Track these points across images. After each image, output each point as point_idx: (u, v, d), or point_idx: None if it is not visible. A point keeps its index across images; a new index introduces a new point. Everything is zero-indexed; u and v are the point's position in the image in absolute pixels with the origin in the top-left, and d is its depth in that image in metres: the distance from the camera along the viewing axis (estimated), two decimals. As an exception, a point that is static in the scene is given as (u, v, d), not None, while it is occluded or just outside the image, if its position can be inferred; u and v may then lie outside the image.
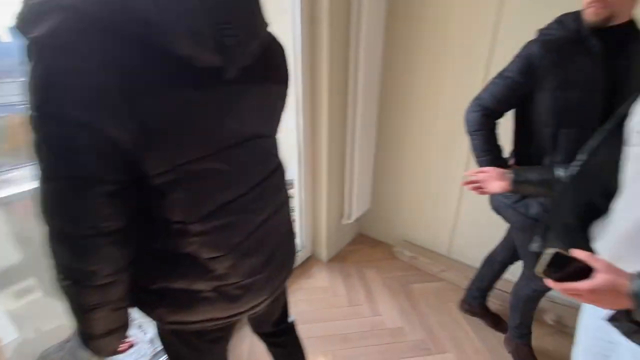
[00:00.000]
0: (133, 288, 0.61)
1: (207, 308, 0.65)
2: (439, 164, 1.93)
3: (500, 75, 1.12)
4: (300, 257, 2.12)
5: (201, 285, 0.63)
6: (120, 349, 0.66)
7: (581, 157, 0.74)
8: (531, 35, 1.10)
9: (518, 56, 1.08)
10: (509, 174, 0.94)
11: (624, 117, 0.66)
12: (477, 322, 1.69)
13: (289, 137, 1.80)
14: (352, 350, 1.55)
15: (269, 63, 0.64)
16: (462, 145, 1.80)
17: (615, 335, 0.60)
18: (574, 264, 0.54)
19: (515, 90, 1.09)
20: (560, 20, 1.04)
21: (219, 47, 0.52)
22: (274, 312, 0.96)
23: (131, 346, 1.33)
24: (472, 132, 1.17)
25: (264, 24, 0.62)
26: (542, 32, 1.08)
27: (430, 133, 1.91)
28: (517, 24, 1.48)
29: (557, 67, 1.01)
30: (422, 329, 1.66)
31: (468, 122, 1.18)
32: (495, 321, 1.66)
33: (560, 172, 0.84)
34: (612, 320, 0.58)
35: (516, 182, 0.92)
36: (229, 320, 0.71)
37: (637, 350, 0.58)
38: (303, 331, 1.66)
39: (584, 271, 0.53)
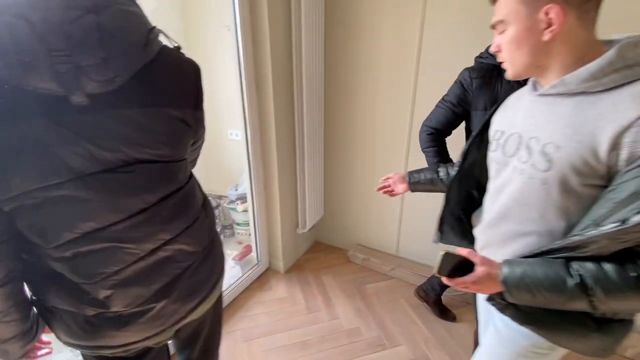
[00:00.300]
0: (34, 303, 0.67)
1: (94, 334, 0.66)
2: (382, 171, 2.08)
3: (442, 100, 1.35)
4: (257, 271, 2.13)
5: (85, 310, 0.65)
6: (33, 354, 0.72)
7: (459, 157, 0.91)
8: (449, 51, 1.28)
9: (455, 82, 1.30)
10: (407, 177, 1.12)
11: (487, 124, 0.82)
12: (426, 314, 1.84)
13: (240, 151, 1.82)
14: (313, 355, 1.60)
15: (152, 87, 0.61)
16: (400, 152, 1.98)
17: (491, 308, 0.74)
18: (460, 261, 0.66)
19: (454, 112, 1.31)
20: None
21: (55, 75, 0.50)
22: (190, 345, 0.92)
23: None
24: (424, 150, 1.40)
25: (136, 47, 0.57)
26: (476, 59, 1.29)
27: (372, 143, 2.05)
28: (436, 43, 1.68)
29: (485, 89, 1.21)
30: (377, 327, 1.77)
31: (420, 141, 1.41)
32: (442, 311, 1.82)
33: (449, 171, 1.03)
34: (489, 300, 0.71)
35: (411, 183, 1.11)
36: (126, 348, 0.70)
37: (504, 318, 0.73)
38: (264, 344, 1.69)
39: (469, 266, 0.65)
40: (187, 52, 0.69)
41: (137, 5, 0.60)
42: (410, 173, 1.12)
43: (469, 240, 0.90)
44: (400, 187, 1.14)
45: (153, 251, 0.67)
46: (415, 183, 1.10)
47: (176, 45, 0.68)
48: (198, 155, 0.89)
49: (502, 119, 0.77)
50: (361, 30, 1.85)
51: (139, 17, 0.59)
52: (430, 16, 1.66)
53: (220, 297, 0.93)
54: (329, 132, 2.18)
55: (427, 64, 1.74)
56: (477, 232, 0.82)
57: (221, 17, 2.08)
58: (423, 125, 1.41)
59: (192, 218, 0.73)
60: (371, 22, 1.81)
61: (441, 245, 0.98)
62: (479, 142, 0.86)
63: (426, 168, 1.12)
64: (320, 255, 2.39)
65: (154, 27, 0.61)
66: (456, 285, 0.66)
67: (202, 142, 0.84)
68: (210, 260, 0.79)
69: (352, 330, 1.75)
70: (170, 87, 0.64)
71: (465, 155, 0.89)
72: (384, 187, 1.20)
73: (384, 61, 1.85)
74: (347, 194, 2.28)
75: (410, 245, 2.18)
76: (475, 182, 0.89)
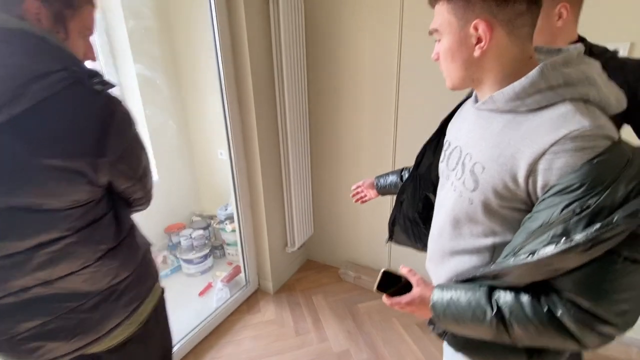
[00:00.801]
0: None
1: None
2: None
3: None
4: (245, 292, 2.08)
5: None
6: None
7: (416, 160, 0.89)
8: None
9: None
10: (375, 182, 1.13)
11: (443, 128, 0.80)
12: (418, 333, 1.78)
13: (225, 171, 1.82)
14: (300, 381, 1.54)
15: (28, 135, 0.59)
16: (386, 166, 1.96)
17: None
18: (400, 280, 0.63)
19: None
20: None
21: None
22: None
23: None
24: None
25: (4, 97, 0.57)
26: None
27: (359, 159, 2.04)
28: (416, 55, 1.69)
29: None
30: (368, 348, 1.71)
31: None
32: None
33: (406, 174, 1.03)
34: (429, 323, 0.68)
35: (379, 188, 1.12)
36: None
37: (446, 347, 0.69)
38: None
39: (409, 285, 0.62)
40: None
41: (43, 45, 0.60)
42: (377, 178, 1.12)
43: (424, 243, 0.86)
44: (371, 193, 1.15)
45: (26, 289, 0.68)
46: (383, 188, 1.11)
47: (105, 86, 0.67)
48: (141, 196, 0.87)
49: (452, 127, 0.75)
50: (343, 48, 1.87)
51: (20, 67, 0.58)
52: (408, 29, 1.68)
53: (148, 331, 0.92)
54: (316, 150, 2.18)
55: (407, 80, 1.75)
56: (428, 242, 0.79)
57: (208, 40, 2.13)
58: None
59: (82, 264, 0.72)
60: (352, 40, 1.84)
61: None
62: (435, 145, 0.84)
63: (392, 172, 1.11)
64: (311, 274, 2.34)
65: (51, 72, 0.60)
66: (392, 305, 0.63)
67: (143, 182, 0.82)
68: (112, 301, 0.78)
69: (342, 352, 1.69)
70: (54, 134, 0.61)
71: (421, 158, 0.87)
72: (356, 193, 1.21)
73: (366, 78, 1.87)
74: (336, 211, 2.26)
75: (402, 261, 2.13)
76: (432, 185, 0.86)
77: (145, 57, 2.25)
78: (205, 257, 2.34)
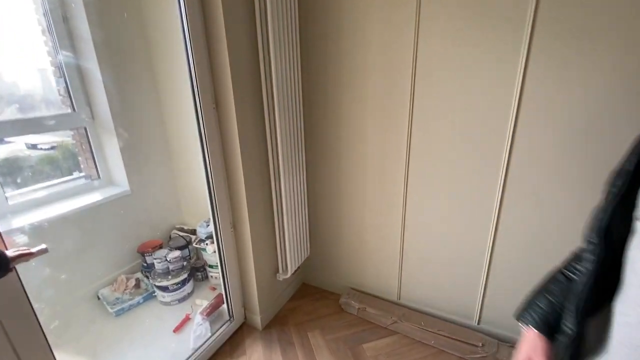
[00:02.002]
0: None
1: None
2: (377, 203, 1.73)
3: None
4: (229, 329, 1.75)
5: None
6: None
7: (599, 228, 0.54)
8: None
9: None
10: (539, 337, 0.65)
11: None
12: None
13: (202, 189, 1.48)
14: None
15: None
16: (397, 183, 1.63)
17: None
18: None
19: None
20: None
21: None
22: None
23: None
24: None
25: None
26: None
27: (364, 172, 1.71)
28: (430, 74, 1.35)
29: None
30: (376, 408, 1.38)
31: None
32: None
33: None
34: None
35: (545, 328, 0.65)
36: None
37: None
38: None
39: None
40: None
41: None
42: (532, 319, 0.67)
43: (561, 333, 0.56)
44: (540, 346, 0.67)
45: None
46: (549, 323, 0.65)
47: None
48: None
49: None
50: (344, 43, 1.53)
51: None
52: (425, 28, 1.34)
53: None
54: (312, 160, 1.84)
55: (424, 82, 1.41)
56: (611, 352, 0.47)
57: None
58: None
59: None
60: (357, 36, 1.49)
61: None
62: (621, 210, 0.51)
63: (539, 291, 0.69)
64: (307, 302, 2.00)
65: None
66: None
67: None
68: None
69: (344, 414, 1.36)
70: None
71: (605, 232, 0.53)
72: None
73: (373, 72, 1.53)
74: (337, 229, 1.92)
75: (415, 291, 1.80)
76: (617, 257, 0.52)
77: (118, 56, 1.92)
78: (184, 282, 2.00)
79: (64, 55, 1.89)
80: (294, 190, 1.71)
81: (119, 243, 2.19)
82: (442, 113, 1.43)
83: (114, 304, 1.96)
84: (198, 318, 1.82)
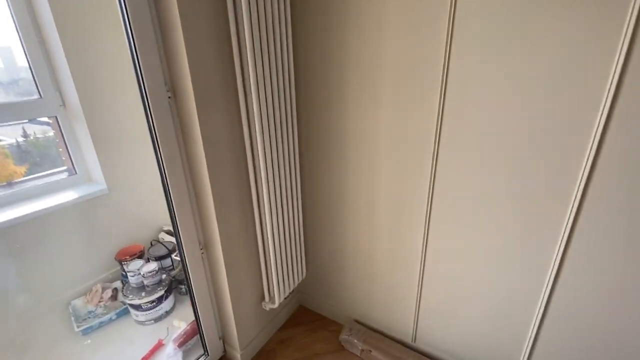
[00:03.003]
0: None
1: None
2: (391, 222, 1.33)
3: None
4: (201, 366, 1.45)
5: None
6: None
7: None
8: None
9: None
10: None
11: None
12: None
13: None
14: None
15: None
16: (419, 202, 1.21)
17: None
18: None
19: None
20: None
21: None
22: None
23: None
24: None
25: None
26: None
27: (376, 176, 1.30)
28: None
29: None
30: None
31: None
32: None
33: None
34: None
35: None
36: None
37: None
38: None
39: None
40: None
41: None
42: None
43: None
44: None
45: None
46: None
47: None
48: None
49: None
50: (348, 36, 1.11)
51: None
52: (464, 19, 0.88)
53: None
54: (310, 167, 1.45)
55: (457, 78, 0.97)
56: None
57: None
58: None
59: None
60: (367, 26, 1.06)
61: None
62: None
63: None
64: (302, 333, 1.66)
65: None
66: None
67: None
68: None
69: None
70: None
71: None
72: None
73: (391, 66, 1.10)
74: (340, 249, 1.54)
75: (436, 333, 1.41)
76: None
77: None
78: (160, 300, 1.72)
79: (24, 33, 1.60)
80: (282, 205, 1.34)
81: (97, 247, 1.94)
82: (489, 124, 0.99)
83: (83, 320, 1.72)
84: (170, 348, 1.54)
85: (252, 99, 1.10)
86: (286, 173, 1.32)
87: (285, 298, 1.55)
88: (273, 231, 1.32)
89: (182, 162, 1.13)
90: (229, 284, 1.32)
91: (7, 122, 1.67)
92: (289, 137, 1.30)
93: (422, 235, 1.26)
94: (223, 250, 1.25)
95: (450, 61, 1.00)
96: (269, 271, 1.42)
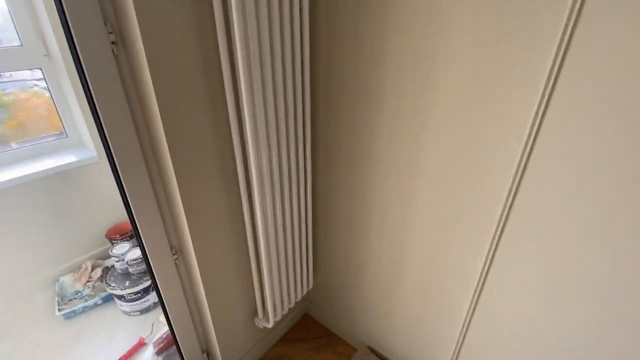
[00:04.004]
0: None
1: None
2: (431, 239, 0.95)
3: None
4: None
5: None
6: None
7: None
8: None
9: None
10: None
11: None
12: None
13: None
14: None
15: None
16: (481, 221, 0.81)
17: None
18: None
19: None
20: None
21: None
22: None
23: None
24: None
25: None
26: None
27: (414, 192, 0.90)
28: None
29: None
30: None
31: None
32: None
33: None
34: None
35: None
36: None
37: None
38: None
39: None
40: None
41: None
42: None
43: None
44: None
45: None
46: None
47: None
48: None
49: None
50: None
51: None
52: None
53: None
54: (326, 151, 1.07)
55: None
56: None
57: None
58: None
59: None
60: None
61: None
62: None
63: None
64: (304, 351, 1.37)
65: None
66: None
67: None
68: None
69: None
70: None
71: None
72: None
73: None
74: (357, 258, 1.19)
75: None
76: None
77: None
78: (146, 291, 1.50)
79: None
80: (284, 205, 0.99)
81: (88, 220, 1.75)
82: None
83: (69, 301, 1.56)
84: (149, 351, 1.32)
85: (238, 61, 0.72)
86: (290, 166, 0.96)
87: (294, 305, 1.26)
88: (268, 237, 0.99)
89: (137, 134, 0.80)
90: (207, 296, 1.03)
91: (-17, 73, 1.43)
92: (294, 124, 0.92)
93: (482, 263, 0.87)
94: (197, 257, 0.95)
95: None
96: (262, 285, 1.11)
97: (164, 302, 1.04)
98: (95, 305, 1.57)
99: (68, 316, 1.51)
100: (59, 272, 1.69)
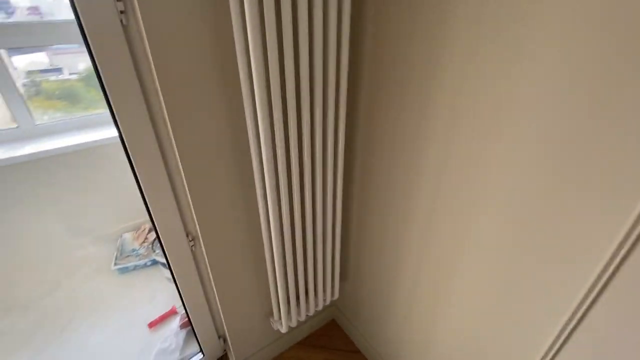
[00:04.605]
0: None
1: None
2: (512, 271, 0.72)
3: None
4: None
5: None
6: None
7: None
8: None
9: None
10: None
11: None
12: None
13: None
14: None
15: None
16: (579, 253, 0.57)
17: None
18: None
19: None
20: None
21: None
22: None
23: None
24: None
25: None
26: None
27: (479, 204, 0.68)
28: None
29: None
30: None
31: None
32: None
33: None
34: None
35: None
36: None
37: None
38: None
39: None
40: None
41: None
42: None
43: None
44: None
45: None
46: None
47: None
48: None
49: None
50: None
51: None
52: None
53: None
54: (363, 153, 0.89)
55: None
56: None
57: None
58: None
59: None
60: None
61: None
62: None
63: None
64: (323, 361, 1.27)
65: None
66: None
67: None
68: None
69: None
70: None
71: None
72: None
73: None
74: (397, 282, 1.01)
75: None
76: None
77: None
78: (185, 263, 1.55)
79: None
80: (305, 202, 0.86)
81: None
82: None
83: (126, 257, 1.72)
84: (176, 322, 1.37)
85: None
86: (316, 159, 0.82)
87: (303, 322, 1.16)
88: (282, 235, 0.88)
89: (147, 107, 0.74)
90: (215, 285, 0.98)
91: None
92: (329, 108, 0.76)
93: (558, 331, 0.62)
94: (204, 244, 0.89)
95: None
96: (278, 287, 1.02)
97: (178, 286, 1.03)
98: (145, 265, 1.71)
99: (121, 271, 1.67)
100: (122, 229, 1.88)
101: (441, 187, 0.72)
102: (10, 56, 1.44)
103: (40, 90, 1.59)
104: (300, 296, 1.04)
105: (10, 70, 1.44)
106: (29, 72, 1.54)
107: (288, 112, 0.71)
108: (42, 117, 1.59)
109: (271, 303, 1.13)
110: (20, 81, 1.50)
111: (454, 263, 0.76)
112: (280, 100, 0.68)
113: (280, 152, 0.74)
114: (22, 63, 1.51)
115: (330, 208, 0.93)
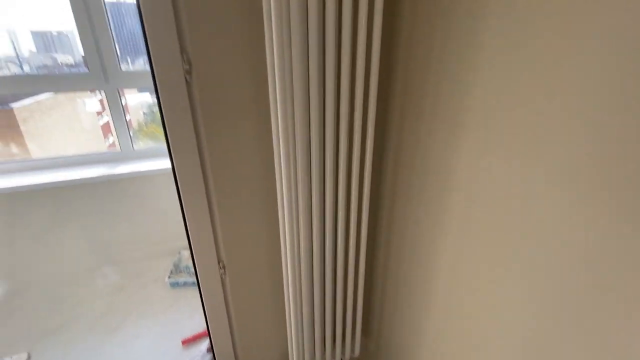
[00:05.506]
0: None
1: None
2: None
3: None
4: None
5: None
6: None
7: None
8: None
9: None
10: None
11: None
12: None
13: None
14: None
15: None
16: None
17: None
18: None
19: None
20: None
21: None
22: None
23: None
24: None
25: None
26: None
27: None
28: None
29: None
30: None
31: None
32: None
33: None
34: None
35: None
36: None
37: None
38: None
39: None
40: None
41: None
42: None
43: None
44: None
45: None
46: None
47: None
48: None
49: None
50: None
51: None
52: None
53: None
54: (397, 177, 0.88)
55: None
56: None
57: None
58: None
59: None
60: None
61: None
62: None
63: None
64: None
65: None
66: None
67: None
68: None
69: None
70: None
71: None
72: None
73: None
74: (422, 336, 0.92)
75: None
76: None
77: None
78: (224, 287, 1.64)
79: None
80: (322, 240, 0.87)
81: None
82: None
83: (179, 272, 1.89)
84: (205, 344, 1.44)
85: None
86: (339, 198, 0.83)
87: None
88: (296, 279, 0.89)
89: (198, 151, 0.86)
90: (234, 315, 1.02)
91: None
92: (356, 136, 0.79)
93: None
94: (229, 275, 0.95)
95: None
96: (296, 332, 1.01)
97: (205, 309, 1.10)
98: (193, 284, 1.84)
99: (173, 285, 1.83)
100: (181, 246, 2.08)
101: (465, 236, 0.67)
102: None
103: (155, 118, 1.98)
104: (317, 350, 1.01)
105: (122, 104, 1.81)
106: (150, 105, 1.95)
107: (312, 169, 0.75)
108: (139, 143, 1.93)
109: (287, 346, 1.12)
110: (140, 111, 1.89)
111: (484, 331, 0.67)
112: (308, 155, 0.73)
113: (303, 215, 0.78)
114: (132, 102, 1.89)
115: (353, 248, 0.91)
